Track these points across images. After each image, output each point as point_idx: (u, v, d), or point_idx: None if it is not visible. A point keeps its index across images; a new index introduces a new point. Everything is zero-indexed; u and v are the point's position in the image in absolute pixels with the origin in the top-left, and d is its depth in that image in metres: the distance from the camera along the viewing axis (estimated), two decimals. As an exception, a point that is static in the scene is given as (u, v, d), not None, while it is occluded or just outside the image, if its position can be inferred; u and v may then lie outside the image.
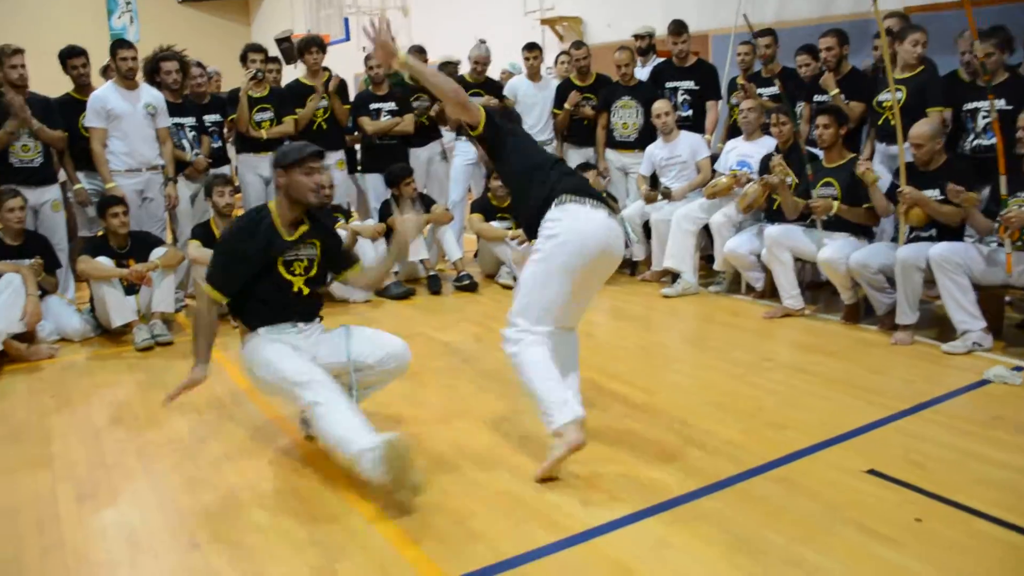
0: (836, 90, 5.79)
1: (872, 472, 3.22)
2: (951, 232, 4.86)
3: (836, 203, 5.23)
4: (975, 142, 5.19)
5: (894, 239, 5.15)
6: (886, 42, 5.13)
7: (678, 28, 6.77)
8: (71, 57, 6.15)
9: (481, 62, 7.35)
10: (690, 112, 6.81)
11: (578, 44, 7.47)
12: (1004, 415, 3.77)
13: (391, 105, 7.05)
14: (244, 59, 6.73)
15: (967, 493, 3.02)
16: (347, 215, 6.61)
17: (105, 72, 6.66)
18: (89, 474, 3.45)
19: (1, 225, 5.28)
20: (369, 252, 6.26)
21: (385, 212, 6.61)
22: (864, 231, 5.40)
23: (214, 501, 3.17)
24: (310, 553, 2.77)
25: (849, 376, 4.37)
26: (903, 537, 2.75)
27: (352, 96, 7.29)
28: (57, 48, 6.28)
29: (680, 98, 6.84)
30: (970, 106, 5.16)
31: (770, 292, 5.87)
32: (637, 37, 7.49)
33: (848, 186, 5.25)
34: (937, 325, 5.13)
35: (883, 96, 5.50)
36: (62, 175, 6.23)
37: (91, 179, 6.16)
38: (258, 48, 6.84)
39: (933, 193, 4.86)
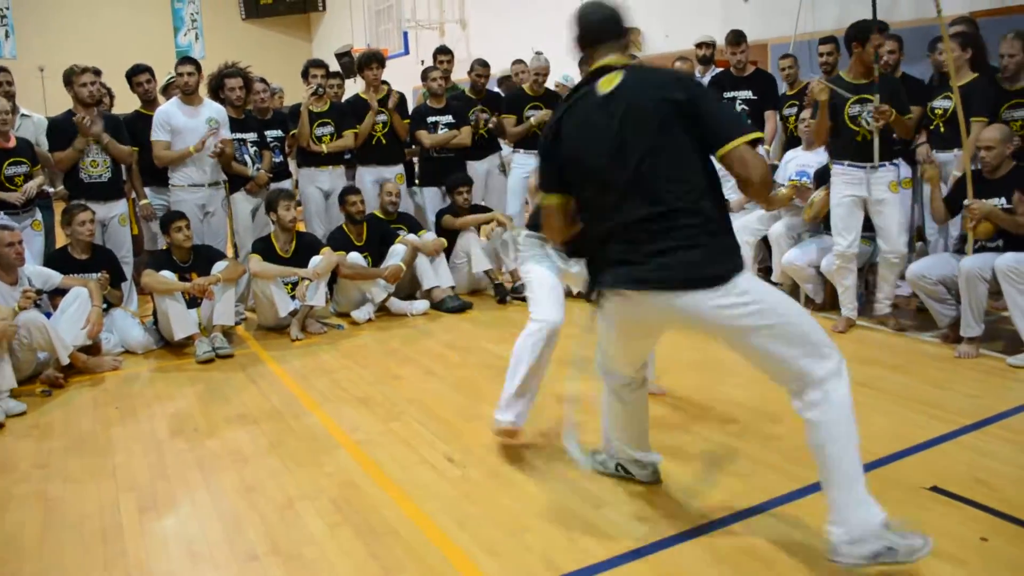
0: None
1: (935, 489, 3.14)
2: (1018, 242, 4.72)
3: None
4: None
5: (959, 250, 5.02)
6: (949, 47, 5.03)
7: (736, 38, 6.72)
8: (135, 75, 6.45)
9: (541, 73, 7.36)
10: (749, 122, 6.74)
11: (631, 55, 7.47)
12: (1074, 431, 3.65)
13: (448, 118, 7.10)
14: (305, 75, 6.86)
15: (1034, 511, 2.94)
16: (414, 226, 6.65)
17: (166, 90, 6.83)
18: (151, 485, 3.53)
19: (71, 239, 5.45)
20: (427, 268, 6.31)
21: (440, 221, 6.67)
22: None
23: (273, 512, 3.22)
24: (368, 567, 2.80)
25: (912, 390, 4.27)
26: (968, 556, 2.68)
27: (410, 111, 7.37)
28: (126, 67, 6.51)
29: (738, 108, 6.77)
30: None
31: (830, 304, 5.77)
32: (699, 46, 7.44)
33: None
34: (1003, 338, 4.98)
35: (937, 103, 5.37)
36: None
37: (158, 194, 6.34)
38: (319, 64, 6.96)
39: (999, 201, 4.74)
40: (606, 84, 2.68)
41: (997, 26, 5.78)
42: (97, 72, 5.93)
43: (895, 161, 5.29)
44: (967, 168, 4.90)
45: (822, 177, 5.68)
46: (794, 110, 6.63)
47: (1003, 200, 4.74)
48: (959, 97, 4.94)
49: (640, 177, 2.59)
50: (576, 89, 2.81)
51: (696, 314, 2.56)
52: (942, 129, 5.36)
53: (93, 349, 5.26)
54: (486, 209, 6.92)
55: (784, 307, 2.60)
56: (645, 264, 2.58)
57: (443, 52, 7.61)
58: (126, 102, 6.93)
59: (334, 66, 7.98)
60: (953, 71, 5.02)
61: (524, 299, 6.50)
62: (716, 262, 2.54)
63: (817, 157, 6.02)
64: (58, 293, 5.14)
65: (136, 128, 6.21)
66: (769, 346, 2.54)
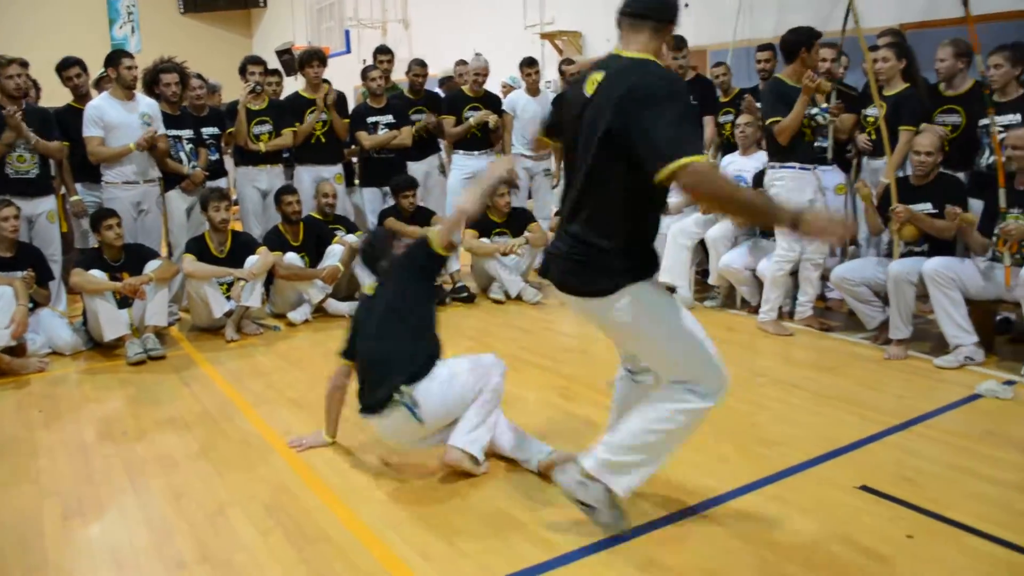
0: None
1: (864, 488, 3.21)
2: (943, 246, 4.87)
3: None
4: (992, 158, 5.15)
5: (887, 254, 5.15)
6: (869, 58, 5.19)
7: (678, 43, 6.77)
8: (65, 68, 6.25)
9: (481, 74, 7.36)
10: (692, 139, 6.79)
11: (568, 61, 7.55)
12: (996, 430, 3.76)
13: (388, 118, 7.05)
14: (243, 72, 6.75)
15: (959, 509, 3.02)
16: (351, 227, 6.58)
17: (99, 83, 6.65)
18: (75, 490, 3.43)
19: (-6, 236, 5.27)
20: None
21: (383, 222, 6.62)
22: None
23: (203, 519, 3.15)
24: (299, 572, 2.75)
25: (842, 391, 4.36)
26: (895, 554, 2.74)
27: (350, 110, 7.30)
28: (56, 58, 6.33)
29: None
30: (985, 121, 5.04)
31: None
32: None
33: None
34: (930, 339, 5.11)
35: (869, 111, 5.52)
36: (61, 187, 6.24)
37: (90, 191, 6.17)
38: (257, 61, 6.85)
39: (925, 207, 4.88)
40: (591, 84, 2.65)
41: (923, 38, 5.96)
42: (24, 64, 5.74)
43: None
44: (891, 174, 5.03)
45: (759, 181, 5.77)
46: (730, 117, 6.72)
47: (928, 205, 4.87)
48: (884, 107, 5.12)
49: (581, 189, 2.67)
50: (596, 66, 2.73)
51: (598, 317, 2.78)
52: (872, 136, 5.50)
53: (18, 350, 5.11)
54: (429, 213, 6.87)
55: (668, 333, 2.74)
56: (559, 267, 2.79)
57: (383, 52, 7.56)
58: (54, 95, 6.73)
59: (273, 63, 7.88)
60: (874, 82, 5.17)
61: (463, 300, 6.53)
62: (597, 280, 2.69)
63: (753, 162, 6.12)
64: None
65: (67, 122, 6.02)
66: (648, 360, 2.87)
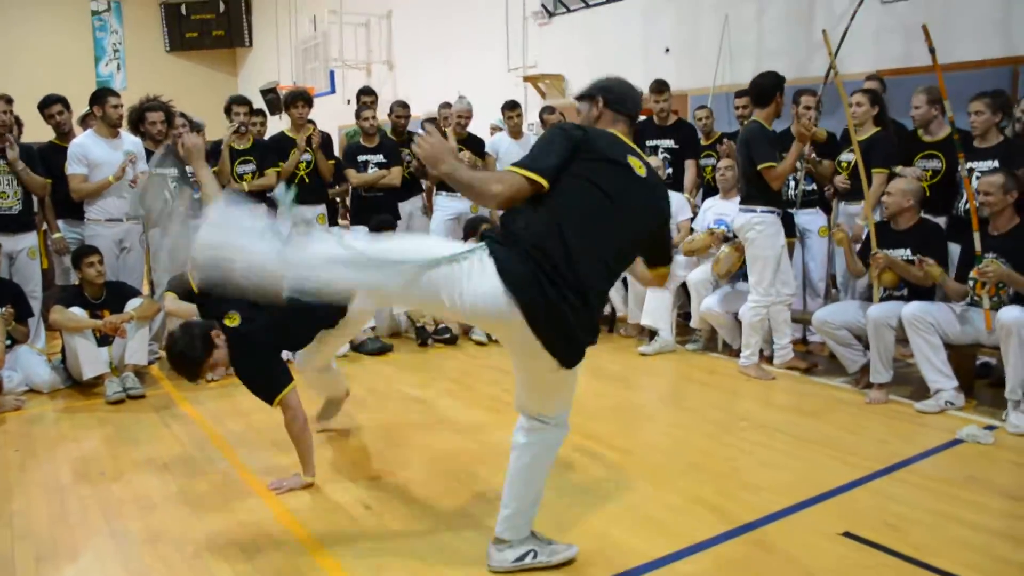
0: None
1: (847, 535, 3.20)
2: (923, 291, 4.91)
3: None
4: (968, 203, 5.23)
5: (867, 298, 5.19)
6: (847, 104, 5.34)
7: (659, 87, 6.86)
8: (47, 106, 6.23)
9: (464, 116, 7.42)
10: (670, 170, 6.88)
11: (550, 109, 7.66)
12: (977, 475, 3.78)
13: (379, 157, 7.09)
14: (228, 111, 6.77)
15: (943, 556, 3.01)
16: None
17: (84, 121, 6.65)
18: (50, 532, 3.37)
19: (-26, 273, 5.24)
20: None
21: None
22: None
23: (180, 562, 3.10)
24: (275, 617, 2.71)
25: (823, 436, 4.37)
26: (877, 603, 2.73)
27: (336, 150, 7.32)
28: (42, 94, 6.33)
29: (661, 156, 6.91)
30: (962, 167, 5.13)
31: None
32: None
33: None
34: (911, 383, 5.14)
35: (844, 156, 5.63)
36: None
37: (72, 227, 6.14)
38: (242, 101, 6.88)
39: (904, 252, 4.93)
40: (637, 166, 2.79)
41: (899, 84, 6.08)
42: (8, 100, 5.75)
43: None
44: (869, 218, 5.10)
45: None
46: (711, 160, 6.80)
47: (907, 251, 4.92)
48: (859, 151, 5.22)
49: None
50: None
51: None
52: (847, 180, 5.62)
53: (-6, 388, 5.04)
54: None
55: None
56: None
57: (366, 93, 7.62)
58: (36, 132, 6.70)
59: (258, 102, 7.91)
60: (852, 127, 5.27)
61: (446, 342, 6.52)
62: None
63: (734, 205, 6.17)
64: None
65: (49, 159, 6.00)
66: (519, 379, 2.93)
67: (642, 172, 2.79)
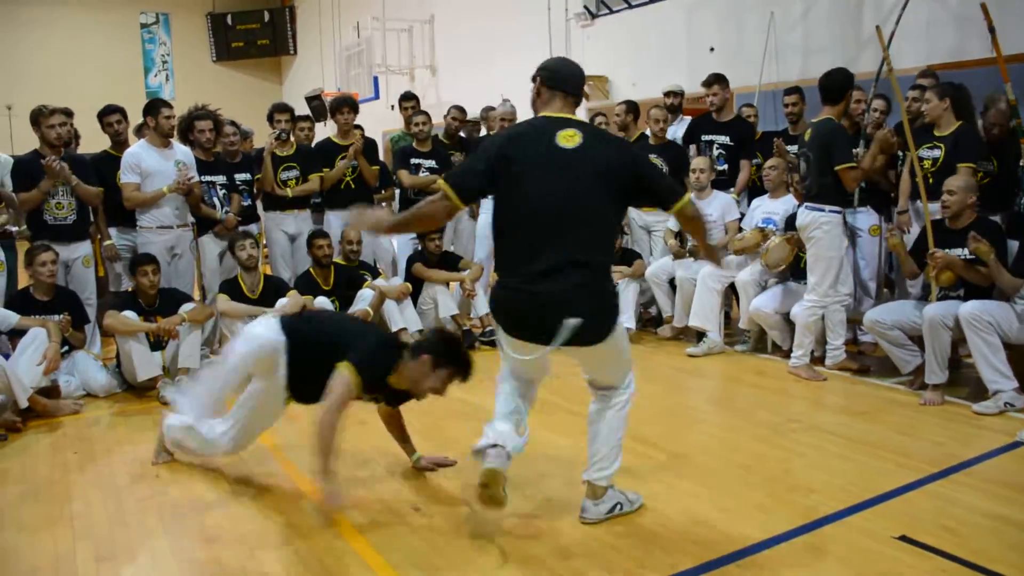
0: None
1: (903, 538, 3.14)
2: (980, 290, 4.80)
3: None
4: None
5: (923, 298, 5.09)
6: (902, 100, 5.21)
7: (709, 80, 6.81)
8: (107, 115, 6.41)
9: (508, 120, 7.42)
10: (725, 167, 6.80)
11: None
12: (1038, 479, 3.68)
13: (431, 163, 7.15)
14: (271, 119, 6.87)
15: (1002, 561, 2.95)
16: (374, 273, 6.62)
17: (139, 131, 6.79)
18: (109, 532, 3.44)
19: (32, 280, 5.36)
20: (395, 312, 6.28)
21: (411, 268, 6.66)
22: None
23: (234, 561, 3.14)
24: (328, 618, 2.73)
25: (877, 438, 4.29)
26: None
27: (380, 155, 7.38)
28: (94, 107, 6.48)
29: (715, 152, 6.84)
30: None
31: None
32: (667, 95, 7.50)
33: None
34: (968, 384, 5.03)
35: (924, 152, 5.38)
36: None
37: (123, 235, 6.27)
38: (284, 108, 6.98)
39: (962, 252, 4.82)
40: (567, 137, 3.05)
41: (952, 78, 5.94)
42: (69, 114, 5.88)
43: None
44: (927, 217, 5.00)
45: (790, 224, 5.75)
46: (756, 159, 6.72)
47: (964, 251, 4.82)
48: (943, 147, 5.13)
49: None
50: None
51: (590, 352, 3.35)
52: (930, 180, 5.26)
53: (52, 392, 5.15)
54: (456, 257, 6.91)
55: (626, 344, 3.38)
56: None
57: (407, 98, 7.68)
58: (92, 142, 6.87)
59: (303, 109, 8.00)
60: (907, 123, 5.17)
61: (493, 344, 6.52)
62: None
63: (783, 205, 6.11)
64: (16, 334, 5.04)
65: (103, 169, 6.14)
66: (613, 375, 3.39)
67: (573, 143, 3.03)
